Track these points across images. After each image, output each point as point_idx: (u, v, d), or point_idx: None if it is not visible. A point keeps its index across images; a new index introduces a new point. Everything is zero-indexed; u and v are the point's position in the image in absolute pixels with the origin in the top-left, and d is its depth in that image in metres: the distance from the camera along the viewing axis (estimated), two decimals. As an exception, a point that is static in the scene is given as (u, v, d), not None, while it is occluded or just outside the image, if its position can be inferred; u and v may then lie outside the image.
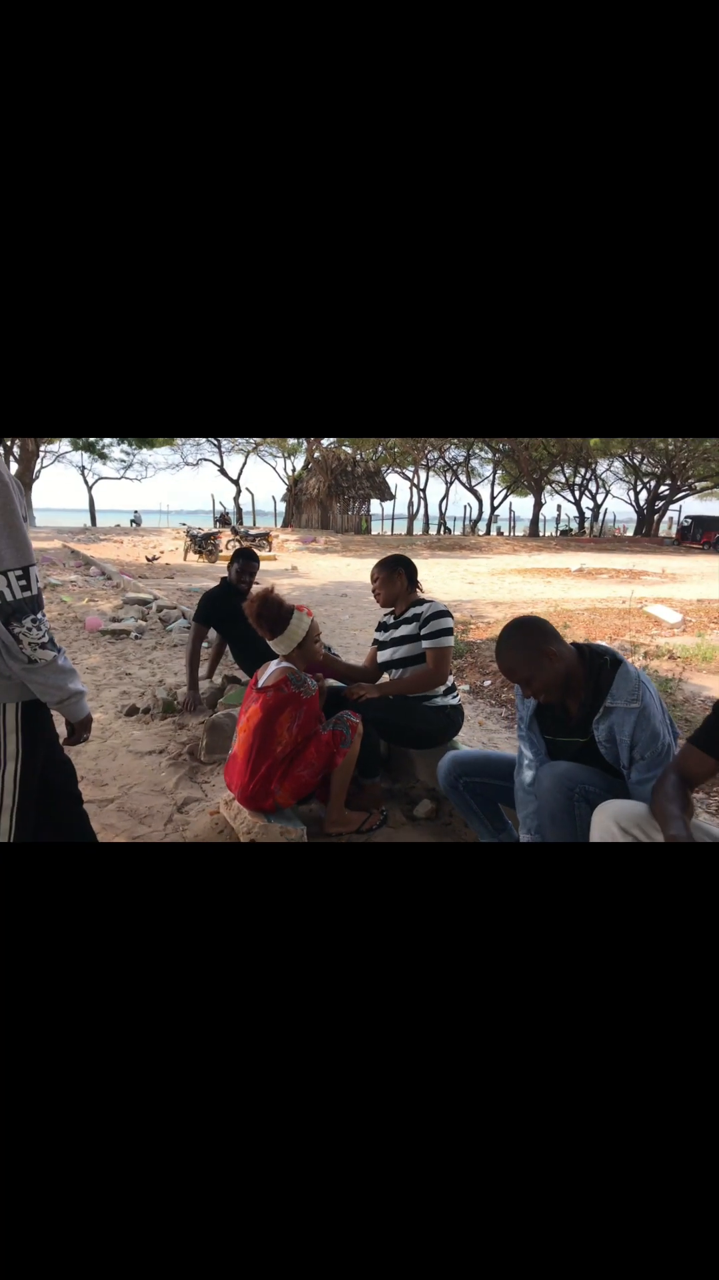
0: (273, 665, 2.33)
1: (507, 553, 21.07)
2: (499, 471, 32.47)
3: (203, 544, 16.24)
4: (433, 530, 33.51)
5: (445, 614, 2.50)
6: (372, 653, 2.73)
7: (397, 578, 2.61)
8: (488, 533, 33.04)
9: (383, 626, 2.72)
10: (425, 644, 2.48)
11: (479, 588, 11.37)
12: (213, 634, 3.70)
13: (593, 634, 6.90)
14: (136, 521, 31.14)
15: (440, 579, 12.77)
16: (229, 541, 18.62)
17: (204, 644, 3.72)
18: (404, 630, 2.55)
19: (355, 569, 14.82)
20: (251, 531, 19.64)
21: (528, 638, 1.68)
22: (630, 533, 33.04)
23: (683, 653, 5.94)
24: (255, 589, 2.28)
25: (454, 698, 2.55)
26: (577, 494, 33.90)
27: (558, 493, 34.03)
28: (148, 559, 15.89)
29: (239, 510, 30.95)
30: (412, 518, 32.48)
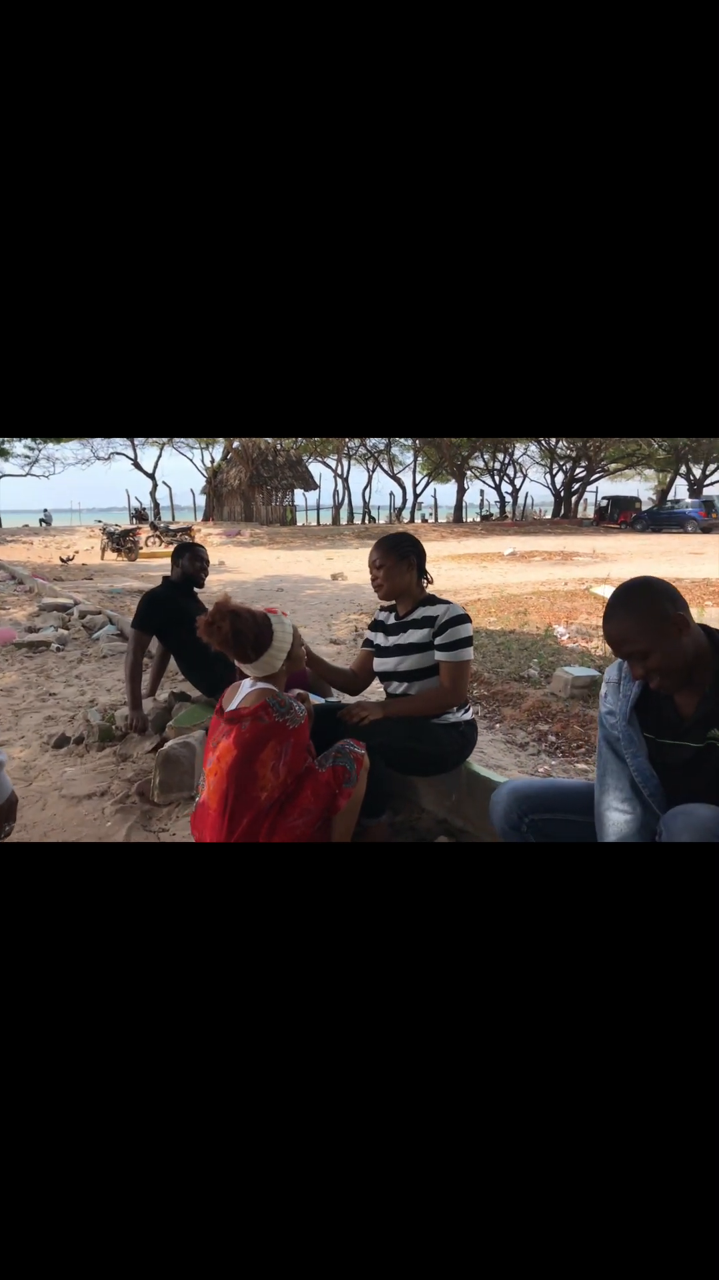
0: (245, 686, 1.84)
1: (435, 540, 20.97)
2: (420, 459, 32.42)
3: (120, 541, 15.28)
4: (358, 519, 33.17)
5: (466, 619, 2.08)
6: (362, 656, 2.28)
7: (406, 567, 2.12)
8: (413, 520, 32.98)
9: (380, 627, 2.26)
10: (441, 656, 2.05)
11: (417, 576, 11.06)
12: (154, 644, 3.14)
13: (547, 618, 6.68)
14: (46, 521, 29.35)
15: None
16: (148, 538, 17.66)
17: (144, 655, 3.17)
18: (413, 636, 2.11)
19: (286, 561, 14.28)
20: (172, 527, 18.72)
21: (651, 600, 1.28)
22: (549, 515, 33.73)
23: (642, 634, 5.77)
24: (213, 606, 1.77)
25: (467, 712, 2.13)
26: (496, 479, 34.32)
27: (478, 478, 34.34)
28: (62, 560, 14.83)
29: (156, 505, 29.64)
30: (337, 507, 32.03)
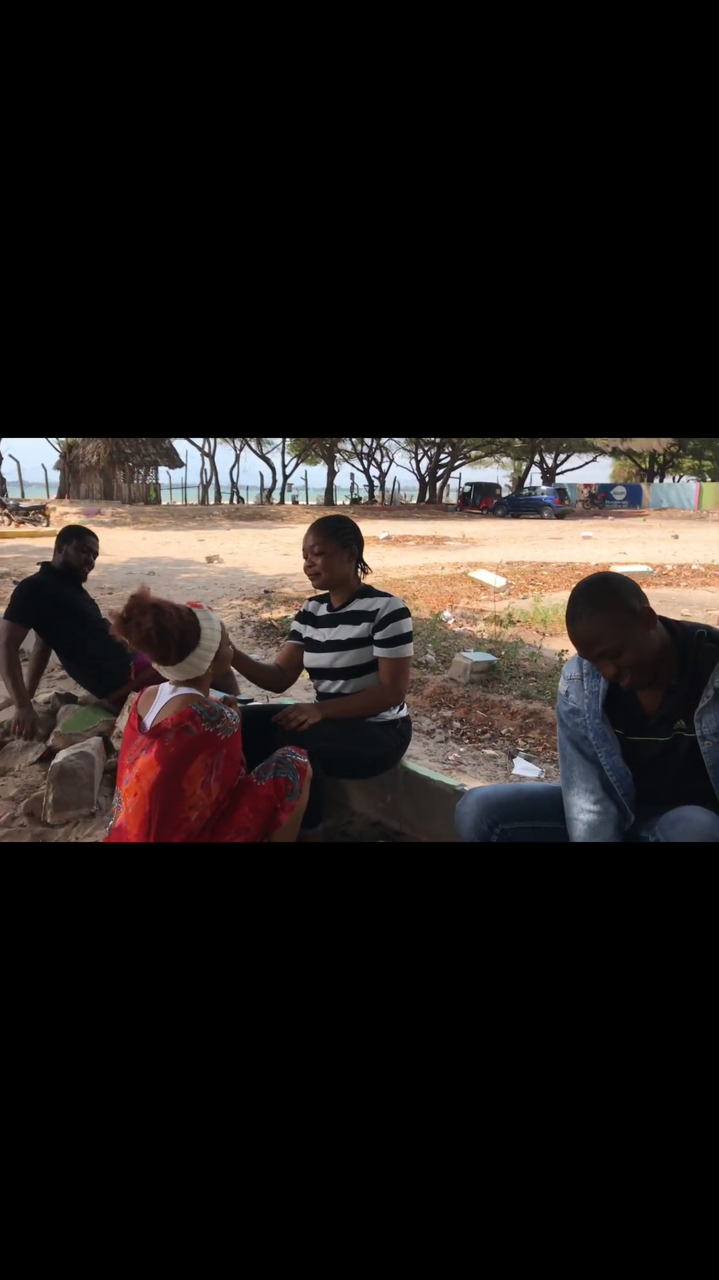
0: (164, 693, 1.62)
1: (308, 521, 20.76)
2: (288, 440, 32.00)
3: (-36, 520, 13.79)
4: (226, 499, 32.23)
5: (407, 614, 1.95)
6: (288, 650, 2.10)
7: (347, 556, 1.97)
8: (283, 501, 32.57)
9: (310, 619, 2.10)
10: (381, 652, 1.92)
11: (295, 559, 10.84)
12: (30, 639, 2.78)
13: (432, 603, 6.77)
14: None
15: (252, 551, 12.07)
16: (-4, 516, 16.12)
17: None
18: (350, 631, 1.96)
19: (154, 543, 13.55)
20: (23, 504, 17.20)
21: (616, 596, 1.24)
22: (415, 500, 34.57)
23: (522, 617, 5.98)
24: (129, 599, 1.54)
25: (403, 709, 2.03)
26: (364, 463, 34.62)
27: (346, 460, 34.48)
28: None
29: (2, 480, 27.14)
30: (204, 486, 30.93)
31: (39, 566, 2.83)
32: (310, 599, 2.17)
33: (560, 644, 5.23)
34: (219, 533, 16.51)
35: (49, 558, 2.87)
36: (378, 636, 1.92)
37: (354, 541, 2.00)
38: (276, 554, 11.63)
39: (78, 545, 2.82)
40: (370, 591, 2.01)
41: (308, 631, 2.09)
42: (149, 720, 1.58)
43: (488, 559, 10.86)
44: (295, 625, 2.14)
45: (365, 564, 2.09)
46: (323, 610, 2.09)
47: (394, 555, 11.43)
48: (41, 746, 2.57)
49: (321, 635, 2.03)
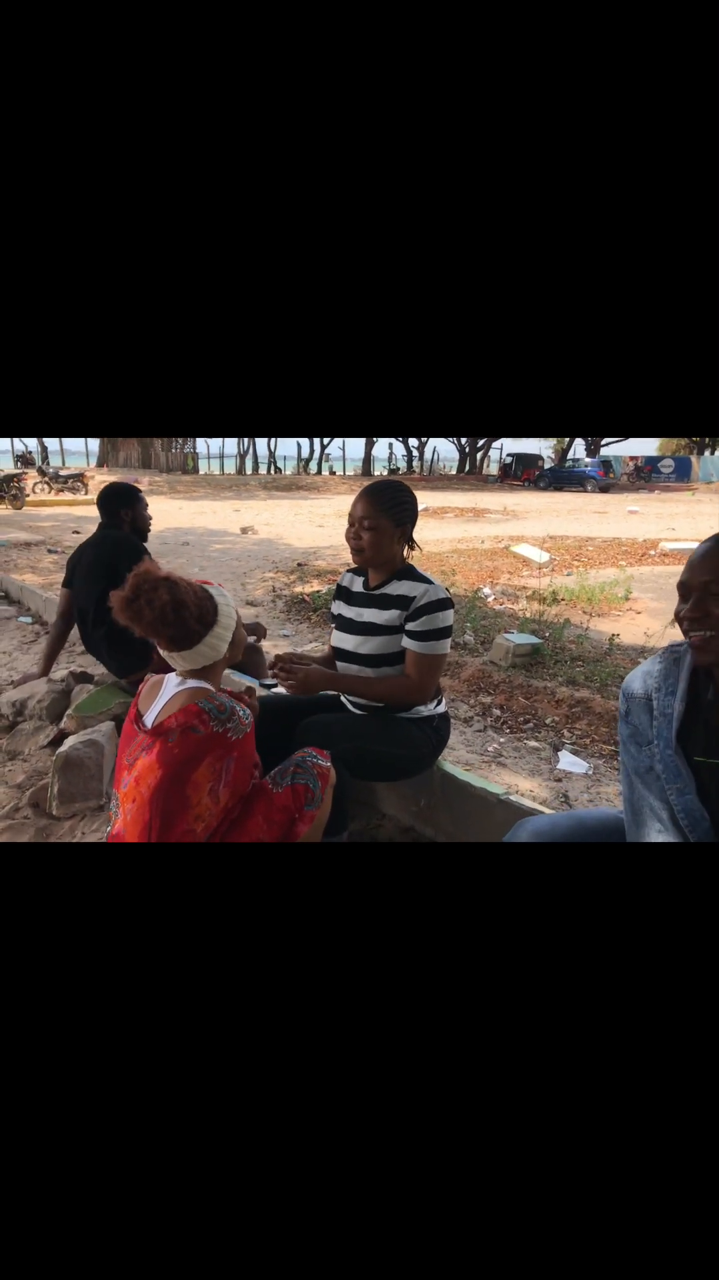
0: (170, 686, 1.42)
1: (344, 493, 20.46)
2: (328, 408, 31.36)
3: (4, 488, 13.85)
4: (264, 469, 32.00)
5: (448, 605, 1.68)
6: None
7: (398, 535, 1.72)
8: (319, 472, 32.21)
9: (344, 594, 1.86)
10: (411, 644, 1.67)
11: (330, 531, 10.64)
12: (48, 608, 2.64)
13: (471, 579, 6.49)
14: None
15: (287, 522, 11.86)
16: (36, 484, 16.18)
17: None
18: (380, 616, 1.73)
19: (190, 513, 13.44)
20: (63, 472, 17.21)
21: None
22: (454, 471, 33.85)
23: (567, 595, 5.67)
24: (133, 575, 1.31)
25: (440, 704, 1.80)
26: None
27: (386, 430, 33.79)
28: (-67, 507, 13.31)
29: (44, 448, 27.33)
30: (241, 456, 30.72)
31: (107, 532, 2.63)
32: (347, 570, 1.95)
33: (609, 625, 4.92)
34: (255, 503, 16.33)
35: (87, 526, 2.73)
36: (410, 626, 1.68)
37: (410, 519, 1.77)
38: (311, 525, 11.41)
39: (142, 504, 2.70)
40: (411, 573, 1.77)
41: (338, 607, 1.87)
42: (150, 717, 1.39)
43: (530, 533, 10.46)
44: (334, 607, 1.92)
45: (413, 540, 1.86)
46: (358, 585, 1.86)
47: (432, 528, 11.09)
48: (53, 729, 2.42)
49: (353, 613, 1.81)
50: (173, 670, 1.42)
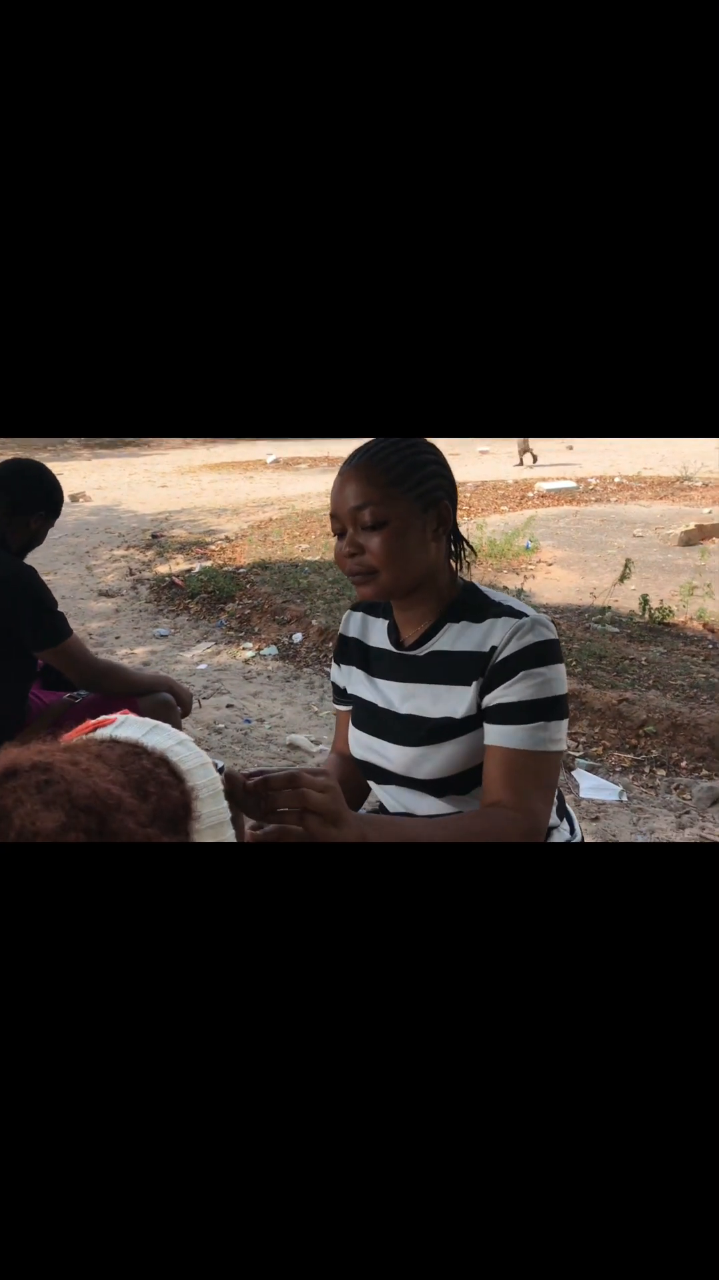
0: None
1: (179, 447, 18.65)
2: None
3: None
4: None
5: (555, 646, 0.90)
6: (342, 726, 1.08)
7: (430, 523, 0.90)
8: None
9: (361, 656, 1.05)
10: (500, 737, 0.87)
11: (177, 491, 9.38)
12: None
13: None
14: None
15: (123, 485, 10.31)
16: None
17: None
18: (439, 699, 0.94)
19: None
20: None
21: None
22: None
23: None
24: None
25: (575, 831, 1.05)
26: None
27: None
28: None
29: None
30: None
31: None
32: (354, 609, 1.11)
33: (525, 584, 4.40)
34: (78, 464, 14.22)
35: None
36: (497, 698, 0.88)
37: (445, 491, 0.93)
38: (153, 487, 10.01)
39: (51, 510, 1.70)
40: (475, 599, 0.96)
41: (351, 681, 1.05)
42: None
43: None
44: (336, 674, 1.08)
45: (466, 542, 1.04)
46: (380, 636, 1.03)
47: (289, 481, 10.13)
48: None
49: (385, 696, 0.99)
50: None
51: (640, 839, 1.94)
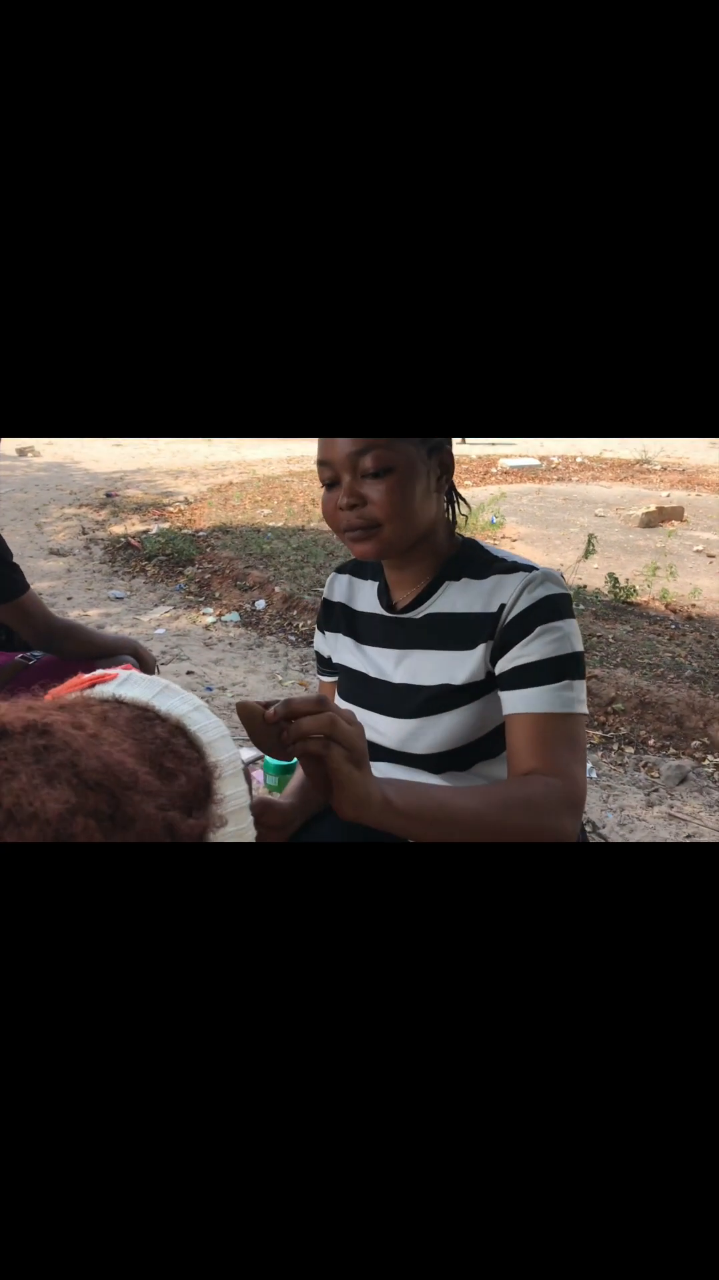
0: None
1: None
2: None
3: None
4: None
5: (567, 600, 0.82)
6: (325, 693, 0.96)
7: (433, 471, 0.82)
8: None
9: (347, 622, 0.97)
10: (519, 704, 0.78)
11: (131, 451, 9.03)
12: None
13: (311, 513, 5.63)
14: None
15: (72, 448, 9.86)
16: None
17: None
18: (439, 663, 0.86)
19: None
20: None
21: None
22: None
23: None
24: None
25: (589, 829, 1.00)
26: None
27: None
28: None
29: None
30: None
31: None
32: (339, 569, 1.02)
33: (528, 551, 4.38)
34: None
35: None
36: (513, 660, 0.81)
37: (440, 450, 0.85)
38: (106, 445, 9.60)
39: None
40: (477, 555, 0.89)
41: (338, 649, 0.97)
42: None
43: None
44: (319, 642, 1.00)
45: (459, 495, 0.96)
46: (369, 600, 0.95)
47: (250, 447, 9.85)
48: None
49: (376, 665, 0.92)
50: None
51: (610, 816, 1.93)
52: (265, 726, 0.59)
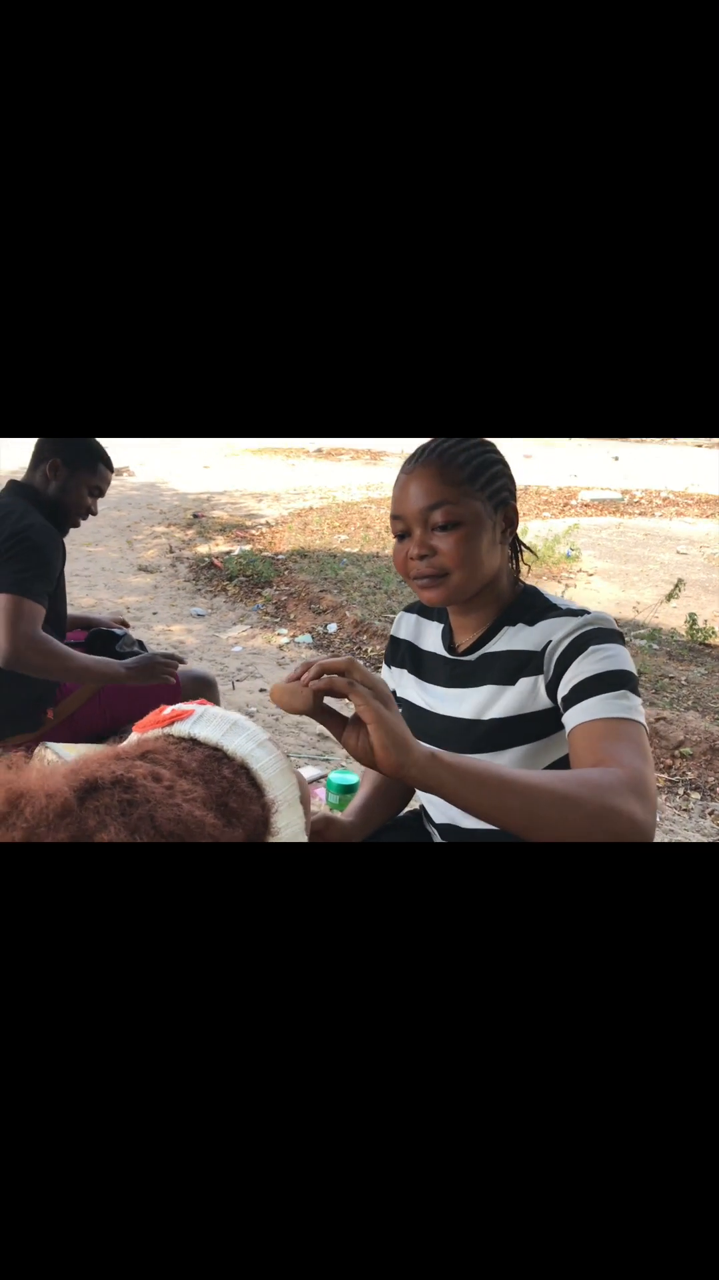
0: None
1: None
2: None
3: None
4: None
5: (617, 638, 0.86)
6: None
7: (498, 524, 0.90)
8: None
9: (414, 660, 1.05)
10: (580, 716, 0.80)
11: (218, 474, 9.42)
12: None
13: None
14: None
15: (166, 461, 10.40)
16: None
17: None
18: (491, 700, 0.93)
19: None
20: None
21: None
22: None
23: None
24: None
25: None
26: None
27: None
28: None
29: None
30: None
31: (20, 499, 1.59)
32: (407, 609, 1.10)
33: (581, 596, 4.34)
34: (123, 439, 14.38)
35: None
36: (565, 686, 0.84)
37: (510, 492, 0.92)
38: (195, 466, 10.06)
39: (98, 471, 1.67)
40: (535, 602, 0.94)
41: (410, 689, 1.04)
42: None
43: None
44: (385, 676, 1.08)
45: (524, 545, 1.02)
46: (434, 641, 1.03)
47: (331, 472, 10.12)
48: None
49: (442, 701, 0.98)
50: None
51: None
52: (290, 688, 0.62)
